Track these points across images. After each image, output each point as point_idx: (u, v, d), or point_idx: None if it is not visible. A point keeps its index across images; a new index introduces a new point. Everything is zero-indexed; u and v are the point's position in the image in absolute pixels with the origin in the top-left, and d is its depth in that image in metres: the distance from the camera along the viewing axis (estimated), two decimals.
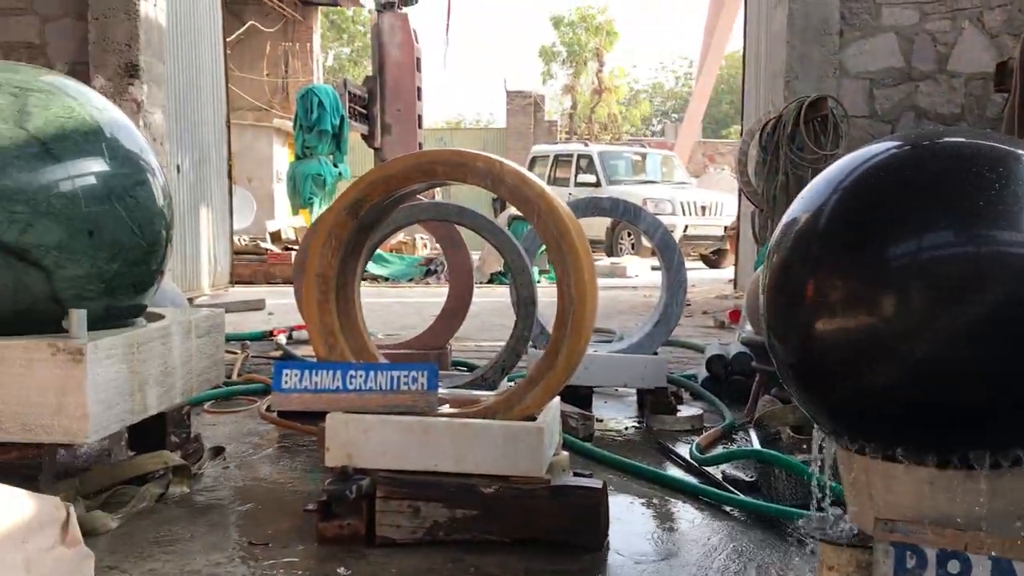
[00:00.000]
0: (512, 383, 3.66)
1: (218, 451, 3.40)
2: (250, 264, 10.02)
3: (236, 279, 9.10)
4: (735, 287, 8.77)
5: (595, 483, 2.46)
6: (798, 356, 1.72)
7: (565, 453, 2.84)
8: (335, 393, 2.57)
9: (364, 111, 15.70)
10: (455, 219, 3.28)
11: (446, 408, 2.73)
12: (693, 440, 3.64)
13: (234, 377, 4.86)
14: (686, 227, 14.50)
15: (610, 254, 15.17)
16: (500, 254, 3.32)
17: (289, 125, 14.30)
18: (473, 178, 2.52)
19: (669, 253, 3.98)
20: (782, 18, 6.54)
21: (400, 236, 12.98)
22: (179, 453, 3.11)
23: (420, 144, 16.74)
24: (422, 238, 13.27)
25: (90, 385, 2.53)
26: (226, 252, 8.62)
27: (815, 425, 1.83)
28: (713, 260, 15.14)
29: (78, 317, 2.62)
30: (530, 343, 3.74)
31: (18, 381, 2.53)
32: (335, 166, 12.55)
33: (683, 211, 14.70)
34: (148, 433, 3.02)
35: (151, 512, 2.72)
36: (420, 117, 16.82)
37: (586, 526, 2.42)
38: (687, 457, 3.31)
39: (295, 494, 2.92)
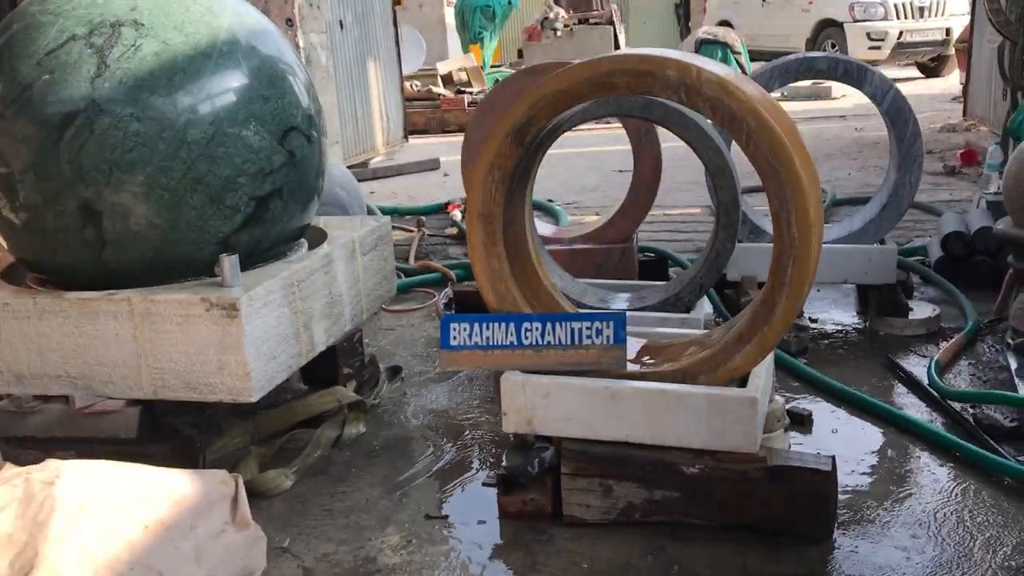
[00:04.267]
0: (714, 321, 3.20)
1: (395, 372, 3.22)
2: (423, 111, 9.69)
3: (410, 128, 8.83)
4: (964, 113, 7.53)
5: (822, 462, 2.03)
6: None
7: (779, 400, 2.42)
8: (509, 349, 2.24)
9: None
10: (639, 114, 2.77)
11: (638, 347, 2.35)
12: (928, 352, 3.09)
13: (410, 261, 4.67)
14: (900, 33, 12.73)
15: None
16: (695, 151, 2.79)
17: None
18: (663, 90, 2.01)
19: (901, 123, 3.27)
20: None
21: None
22: (353, 384, 2.93)
23: None
24: None
25: (248, 341, 2.34)
26: (397, 106, 8.31)
27: None
28: (932, 68, 13.39)
29: (229, 264, 2.41)
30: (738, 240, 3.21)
31: (176, 338, 2.36)
32: None
33: (897, 14, 12.89)
34: (319, 365, 2.83)
35: (326, 465, 2.56)
36: None
37: (812, 514, 2.03)
38: (926, 384, 2.79)
39: (475, 439, 2.68)
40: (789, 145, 1.95)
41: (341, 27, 6.92)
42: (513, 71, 12.50)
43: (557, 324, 2.22)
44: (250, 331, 2.34)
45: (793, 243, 1.97)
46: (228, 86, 2.48)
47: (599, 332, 2.20)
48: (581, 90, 2.06)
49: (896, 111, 3.28)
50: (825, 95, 10.58)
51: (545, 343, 2.22)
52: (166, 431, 2.54)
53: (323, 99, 5.38)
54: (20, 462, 2.49)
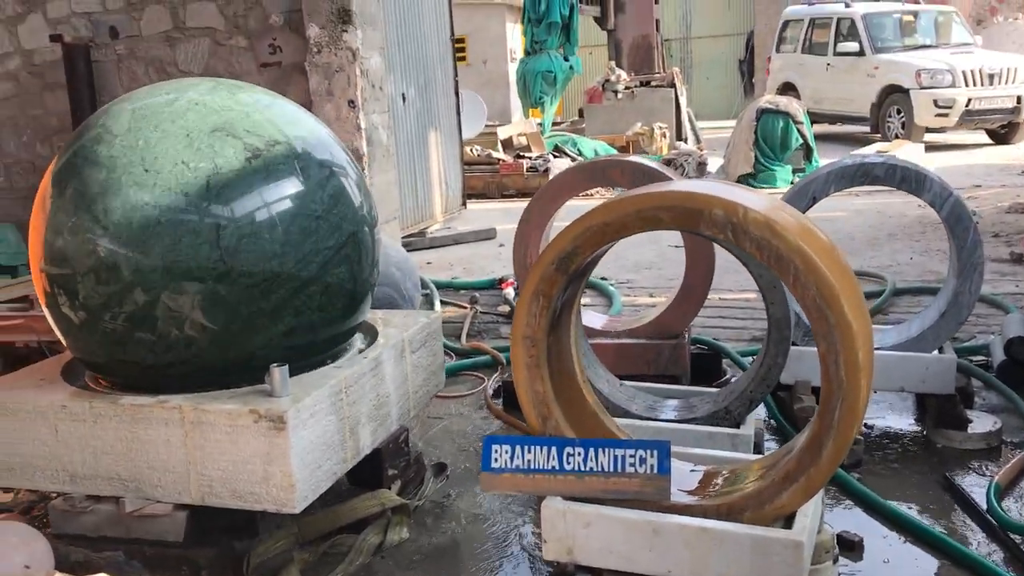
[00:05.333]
0: (765, 424, 3.13)
1: (440, 468, 3.21)
2: (482, 176, 9.83)
3: (469, 192, 8.95)
4: None
5: None
6: None
7: (828, 529, 2.35)
8: (551, 474, 2.23)
9: None
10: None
11: (685, 471, 2.32)
12: (989, 470, 2.99)
13: (462, 340, 4.70)
14: (969, 100, 12.49)
15: (875, 133, 13.59)
16: (744, 265, 2.77)
17: (522, 0, 13.71)
18: (709, 228, 2.00)
19: (961, 230, 3.20)
20: None
21: (637, 126, 12.27)
22: (397, 485, 2.94)
23: (656, 21, 15.78)
24: (661, 126, 12.45)
25: (294, 452, 2.37)
26: (457, 175, 8.43)
27: None
28: (1002, 135, 13.12)
29: (279, 374, 2.44)
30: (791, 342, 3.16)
31: (224, 447, 2.40)
32: (565, 59, 11.96)
33: (965, 81, 12.70)
34: (365, 466, 2.85)
35: (367, 574, 2.56)
36: None
37: None
38: (984, 510, 2.69)
39: (517, 556, 2.66)
40: (838, 287, 1.92)
41: (403, 100, 7.08)
42: (572, 133, 12.62)
43: (600, 450, 2.20)
44: (296, 442, 2.37)
45: (841, 386, 1.94)
46: (285, 194, 2.54)
47: (643, 461, 2.18)
48: (627, 223, 2.07)
49: (956, 219, 3.22)
50: None
51: (588, 469, 2.20)
52: (212, 536, 2.57)
53: (382, 177, 5.54)
54: (70, 560, 2.57)
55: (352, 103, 5.10)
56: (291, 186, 2.53)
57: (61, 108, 6.15)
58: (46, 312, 2.63)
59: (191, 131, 2.49)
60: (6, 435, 2.58)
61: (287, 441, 2.35)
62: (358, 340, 3.00)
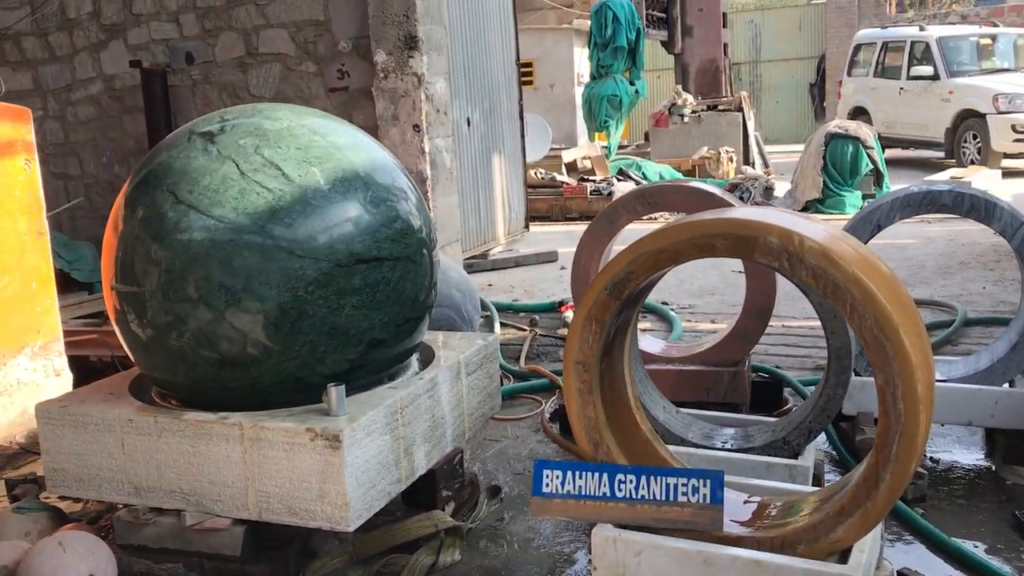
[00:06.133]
0: (826, 455, 3.06)
1: (495, 492, 3.22)
2: (546, 198, 9.87)
3: (532, 214, 8.99)
4: None
5: None
6: None
7: (888, 565, 2.29)
8: (601, 500, 2.22)
9: (663, 15, 14.87)
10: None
11: (739, 502, 2.29)
12: None
13: (521, 363, 4.71)
14: None
15: (949, 158, 13.25)
16: (804, 294, 2.73)
17: (589, 25, 13.75)
18: (763, 256, 1.98)
19: None
20: None
21: (703, 150, 12.18)
22: (451, 507, 2.96)
23: (724, 44, 15.67)
24: (727, 151, 12.34)
25: (349, 471, 2.40)
26: (520, 197, 8.49)
27: None
28: None
29: (336, 394, 2.49)
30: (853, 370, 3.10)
31: (282, 464, 2.45)
32: (631, 83, 11.97)
33: None
34: (419, 487, 2.87)
35: None
36: (724, 14, 15.69)
37: None
38: None
39: None
40: (896, 318, 1.89)
41: (468, 124, 7.17)
42: (637, 157, 12.58)
43: (652, 478, 2.19)
44: (351, 461, 2.41)
45: (900, 420, 1.89)
46: (346, 217, 2.59)
47: (695, 490, 2.16)
48: (681, 250, 2.06)
49: None
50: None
51: (639, 497, 2.19)
52: (269, 552, 2.62)
53: (445, 200, 5.61)
54: (132, 570, 2.64)
55: (417, 127, 5.19)
56: (352, 210, 2.59)
57: (139, 131, 6.39)
58: (116, 329, 2.73)
59: (256, 155, 2.57)
60: (76, 446, 2.67)
61: (342, 459, 2.39)
62: (415, 361, 3.04)
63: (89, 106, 6.67)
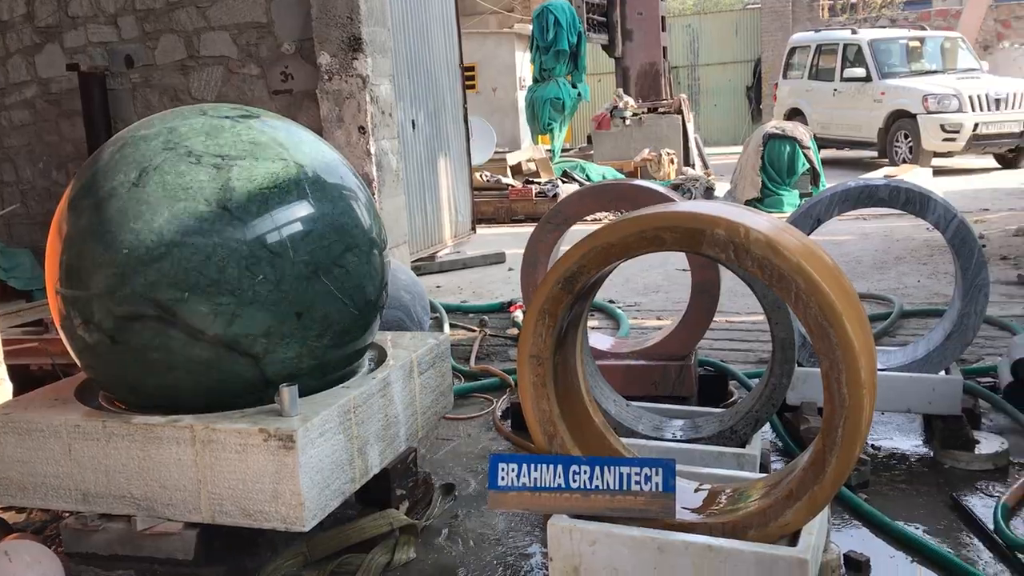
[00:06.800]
0: (772, 445, 3.13)
1: (448, 489, 3.24)
2: (492, 201, 9.91)
3: (479, 217, 9.01)
4: None
5: None
6: None
7: (835, 548, 2.35)
8: (557, 492, 2.24)
9: (603, 19, 15.02)
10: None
11: (690, 489, 2.34)
12: (996, 490, 2.99)
13: (471, 363, 4.73)
14: (976, 125, 12.53)
15: (882, 157, 13.63)
16: (749, 286, 2.80)
17: (530, 29, 13.84)
18: (710, 247, 2.03)
19: (966, 252, 3.23)
20: None
21: (645, 152, 12.33)
22: (405, 505, 2.96)
23: (664, 48, 15.88)
24: (668, 152, 12.50)
25: (303, 471, 2.39)
26: (466, 200, 8.50)
27: None
28: (1009, 159, 13.15)
29: (289, 394, 2.48)
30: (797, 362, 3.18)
31: (235, 465, 2.43)
32: (574, 86, 12.07)
33: (972, 106, 12.75)
34: (373, 485, 2.87)
35: None
36: (663, 18, 15.90)
37: None
38: (991, 529, 2.69)
39: (531, 572, 2.67)
40: (839, 305, 1.95)
41: (413, 127, 7.17)
42: (580, 159, 12.69)
43: (606, 468, 2.22)
44: (305, 462, 2.40)
45: (844, 403, 1.96)
46: (295, 216, 2.58)
47: (648, 479, 2.20)
48: (630, 243, 2.10)
49: (960, 241, 3.24)
50: None
51: (593, 487, 2.22)
52: (221, 554, 2.59)
53: (392, 202, 5.60)
54: None
55: (362, 129, 5.18)
56: (302, 209, 2.58)
57: (77, 135, 6.25)
58: (61, 333, 2.68)
59: (202, 155, 2.54)
60: (20, 454, 2.62)
61: (296, 460, 2.38)
62: (367, 361, 3.04)
63: (24, 110, 6.51)
